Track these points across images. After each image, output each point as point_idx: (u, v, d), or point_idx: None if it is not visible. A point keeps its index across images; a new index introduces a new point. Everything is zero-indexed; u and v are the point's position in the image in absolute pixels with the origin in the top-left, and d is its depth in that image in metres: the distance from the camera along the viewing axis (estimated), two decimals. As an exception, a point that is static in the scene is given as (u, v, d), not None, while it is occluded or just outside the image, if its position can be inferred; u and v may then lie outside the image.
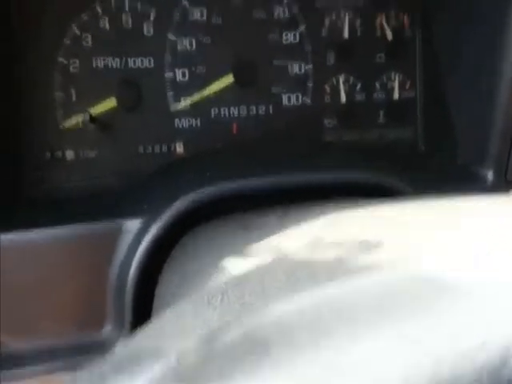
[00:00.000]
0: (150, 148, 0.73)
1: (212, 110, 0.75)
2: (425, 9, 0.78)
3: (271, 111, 0.77)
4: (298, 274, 0.31)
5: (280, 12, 0.75)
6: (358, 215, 0.43)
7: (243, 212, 0.54)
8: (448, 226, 0.36)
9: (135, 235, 0.53)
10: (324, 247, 0.35)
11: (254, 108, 0.76)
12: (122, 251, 0.53)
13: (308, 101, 0.78)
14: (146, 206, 0.55)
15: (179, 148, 0.74)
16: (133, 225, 0.53)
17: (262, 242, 0.43)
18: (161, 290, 0.51)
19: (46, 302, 0.53)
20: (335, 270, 0.30)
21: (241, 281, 0.34)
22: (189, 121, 0.74)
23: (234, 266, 0.42)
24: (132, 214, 0.54)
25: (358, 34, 0.78)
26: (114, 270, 0.53)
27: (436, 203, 0.44)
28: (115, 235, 0.53)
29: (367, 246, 0.32)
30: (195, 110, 0.74)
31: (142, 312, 0.52)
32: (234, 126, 0.76)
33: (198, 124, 0.75)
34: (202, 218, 0.55)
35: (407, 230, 0.37)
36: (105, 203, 0.60)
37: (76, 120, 0.69)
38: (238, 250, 0.44)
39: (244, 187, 0.55)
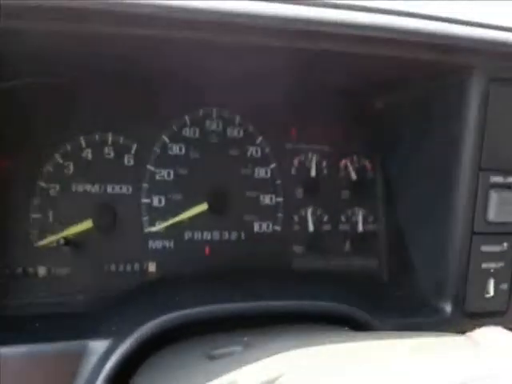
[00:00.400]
0: (122, 267, 0.75)
1: (185, 234, 0.78)
2: (384, 155, 0.87)
3: (243, 237, 0.81)
4: None
5: (253, 151, 0.83)
6: (314, 356, 0.45)
7: (211, 333, 0.55)
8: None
9: (100, 356, 0.52)
10: None
11: (227, 233, 0.80)
12: (87, 372, 0.52)
13: (278, 229, 0.83)
14: (114, 327, 0.55)
15: (151, 267, 0.76)
16: (98, 345, 0.53)
17: (223, 377, 0.43)
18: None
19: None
20: None
21: None
22: (162, 242, 0.77)
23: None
24: (98, 334, 0.54)
25: (324, 172, 0.86)
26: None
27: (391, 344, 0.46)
28: (80, 355, 0.53)
29: None
30: (169, 232, 0.77)
31: None
32: (207, 248, 0.79)
33: (172, 245, 0.77)
34: (169, 339, 0.54)
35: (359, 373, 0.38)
36: (71, 322, 0.59)
37: (51, 240, 0.71)
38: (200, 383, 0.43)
39: (213, 313, 0.56)
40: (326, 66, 0.68)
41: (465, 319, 0.67)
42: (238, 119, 0.82)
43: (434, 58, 0.58)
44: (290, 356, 0.44)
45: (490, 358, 0.42)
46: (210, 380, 0.43)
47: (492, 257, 0.66)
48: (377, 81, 0.77)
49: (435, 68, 0.64)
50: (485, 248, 0.66)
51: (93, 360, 0.52)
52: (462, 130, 0.64)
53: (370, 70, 0.69)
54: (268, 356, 0.45)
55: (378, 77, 0.74)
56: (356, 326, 0.59)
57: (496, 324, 0.49)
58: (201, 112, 0.80)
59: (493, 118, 0.64)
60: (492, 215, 0.64)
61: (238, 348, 0.51)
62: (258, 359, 0.45)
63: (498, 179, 0.65)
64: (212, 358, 0.49)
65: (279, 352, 0.45)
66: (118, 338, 0.52)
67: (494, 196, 0.64)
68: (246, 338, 0.53)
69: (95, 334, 0.54)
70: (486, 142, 0.64)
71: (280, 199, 0.83)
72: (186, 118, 0.79)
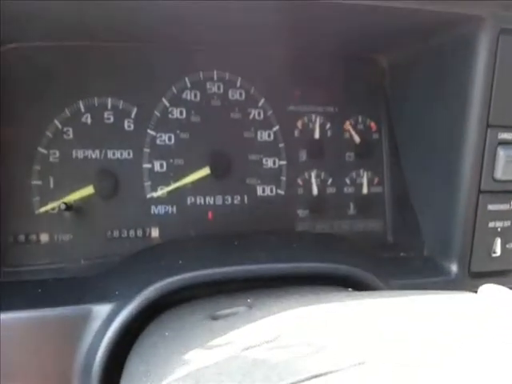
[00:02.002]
0: (125, 232, 0.75)
1: (188, 198, 0.78)
2: (389, 115, 0.85)
3: (246, 201, 0.80)
4: (252, 376, 0.33)
5: (255, 114, 0.81)
6: (317, 314, 0.45)
7: (215, 296, 0.55)
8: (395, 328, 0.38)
9: (103, 320, 0.53)
10: (281, 347, 0.37)
11: (230, 198, 0.80)
12: (90, 336, 0.53)
13: (281, 192, 0.82)
14: (118, 291, 0.55)
15: (154, 233, 0.76)
16: (101, 310, 0.53)
17: (226, 336, 0.43)
18: (127, 378, 0.50)
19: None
20: (286, 372, 0.32)
21: (197, 380, 0.34)
22: (165, 208, 0.76)
23: (196, 359, 0.42)
24: (101, 299, 0.54)
25: (328, 135, 0.84)
26: (81, 354, 0.52)
27: (394, 302, 0.46)
28: (83, 320, 0.53)
29: (316, 348, 0.35)
30: (171, 197, 0.77)
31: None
32: (210, 213, 0.78)
33: (174, 211, 0.77)
34: (172, 302, 0.55)
35: (357, 331, 0.38)
36: (75, 288, 0.59)
37: (52, 206, 0.71)
38: (203, 342, 0.44)
39: (216, 276, 0.56)
40: (328, 24, 0.66)
41: (471, 279, 0.66)
42: (239, 81, 0.80)
43: (440, 8, 0.56)
44: (291, 315, 0.44)
45: (493, 313, 0.41)
46: (212, 339, 0.43)
47: (499, 215, 0.65)
48: (381, 38, 0.74)
49: (441, 20, 0.61)
50: (492, 207, 0.65)
51: (96, 324, 0.53)
52: (469, 85, 0.62)
53: (373, 26, 0.66)
54: (270, 315, 0.45)
55: (382, 33, 0.71)
56: (360, 287, 0.59)
57: (502, 284, 0.49)
58: (201, 74, 0.78)
59: (502, 72, 0.61)
60: (499, 173, 0.63)
61: (241, 309, 0.51)
62: (260, 318, 0.45)
63: (506, 136, 0.63)
64: (215, 318, 0.49)
65: (281, 312, 0.45)
66: (122, 301, 0.53)
67: (501, 153, 0.63)
68: (249, 300, 0.53)
69: (98, 299, 0.54)
70: (494, 98, 0.62)
71: (283, 162, 0.82)
72: (187, 80, 0.77)
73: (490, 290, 0.46)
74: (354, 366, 0.32)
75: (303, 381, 0.31)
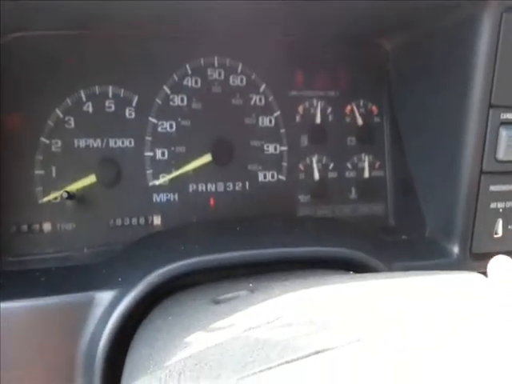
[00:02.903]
0: (128, 220, 0.75)
1: (190, 186, 0.78)
2: (392, 99, 0.85)
3: (247, 187, 0.80)
4: (254, 355, 0.33)
5: (256, 99, 0.81)
6: (318, 295, 0.45)
7: (217, 281, 0.55)
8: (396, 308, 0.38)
9: (106, 307, 0.53)
10: (282, 326, 0.38)
11: (231, 184, 0.80)
12: (93, 323, 0.53)
13: (283, 178, 0.82)
14: (120, 278, 0.56)
15: (156, 220, 0.76)
16: (104, 297, 0.54)
17: (228, 318, 0.44)
18: (130, 362, 0.50)
19: (14, 374, 0.52)
20: (286, 351, 0.32)
21: (199, 360, 0.35)
22: (167, 195, 0.77)
23: (198, 341, 0.42)
24: (104, 286, 0.55)
25: (330, 119, 0.84)
26: (85, 340, 0.53)
27: (396, 282, 0.46)
28: (87, 307, 0.53)
29: (316, 327, 0.36)
30: (173, 185, 0.77)
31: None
32: (212, 200, 0.79)
33: (176, 198, 0.77)
34: (175, 288, 0.55)
35: (359, 311, 0.39)
36: (78, 275, 0.60)
37: (55, 196, 0.71)
38: (205, 325, 0.44)
39: (219, 261, 0.56)
40: (330, 8, 0.65)
41: (472, 260, 0.66)
42: (240, 67, 0.80)
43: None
44: (292, 297, 0.45)
45: (497, 293, 0.41)
46: (214, 322, 0.43)
47: (501, 196, 0.65)
48: (384, 21, 0.73)
49: (445, 1, 0.60)
50: (493, 188, 0.65)
51: (99, 311, 0.53)
52: (472, 66, 0.61)
53: (376, 9, 0.65)
54: (272, 298, 0.45)
55: (384, 16, 0.70)
56: (363, 270, 0.59)
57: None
58: (202, 61, 0.78)
59: (505, 51, 0.60)
60: (501, 154, 0.62)
61: (243, 293, 0.51)
62: (262, 301, 0.45)
63: (508, 116, 0.62)
64: (217, 302, 0.50)
65: (283, 294, 0.46)
66: (125, 288, 0.53)
67: (503, 134, 0.62)
68: (251, 284, 0.53)
69: (101, 285, 0.55)
70: (496, 78, 0.61)
71: (285, 148, 0.82)
72: (187, 66, 0.77)
73: (500, 262, 0.46)
74: (354, 342, 0.32)
75: (302, 358, 0.31)
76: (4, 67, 0.67)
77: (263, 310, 0.44)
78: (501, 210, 0.65)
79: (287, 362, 0.31)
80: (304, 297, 0.45)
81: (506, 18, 0.60)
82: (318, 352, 0.31)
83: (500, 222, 0.66)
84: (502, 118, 0.62)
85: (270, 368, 0.31)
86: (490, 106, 0.62)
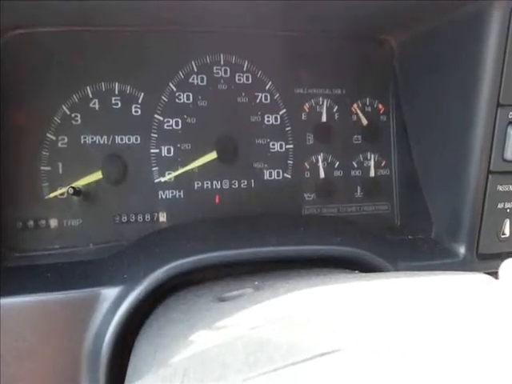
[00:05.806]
0: (133, 217, 0.75)
1: (195, 183, 0.78)
2: (398, 97, 0.84)
3: (253, 185, 0.80)
4: (257, 355, 0.33)
5: (262, 97, 0.81)
6: (323, 295, 0.45)
7: (223, 279, 0.55)
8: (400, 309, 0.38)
9: (112, 303, 0.53)
10: (287, 326, 0.38)
11: (237, 182, 0.80)
12: (99, 319, 0.53)
13: (288, 176, 0.82)
14: (126, 275, 0.56)
15: (162, 217, 0.76)
16: (110, 293, 0.54)
17: (232, 316, 0.44)
18: (135, 359, 0.51)
19: (20, 369, 0.52)
20: (290, 353, 0.32)
21: (204, 359, 0.35)
22: (172, 192, 0.77)
23: (202, 339, 0.42)
24: (110, 282, 0.55)
25: (336, 117, 0.84)
26: (90, 336, 0.53)
27: (402, 283, 0.46)
28: (92, 303, 0.54)
29: (322, 327, 0.35)
30: (179, 182, 0.77)
31: (117, 380, 0.51)
32: (217, 197, 0.79)
33: (182, 195, 0.77)
34: (180, 285, 0.55)
35: (365, 311, 0.39)
36: (84, 271, 0.60)
37: (61, 192, 0.72)
38: (210, 323, 0.44)
39: (224, 259, 0.56)
40: (336, 5, 0.65)
41: (479, 261, 0.66)
42: (246, 65, 0.80)
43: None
44: (297, 296, 0.45)
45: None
46: (219, 320, 0.43)
47: (508, 196, 0.65)
48: (390, 17, 0.72)
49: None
50: (501, 187, 0.64)
51: (105, 307, 0.53)
52: (480, 64, 0.61)
53: (382, 5, 0.65)
54: (276, 296, 0.45)
55: (390, 12, 0.69)
56: (369, 270, 0.59)
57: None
58: (208, 58, 0.78)
59: (513, 49, 0.60)
60: (509, 154, 0.62)
61: (248, 290, 0.51)
62: (267, 299, 0.45)
63: (517, 116, 0.62)
64: (222, 300, 0.50)
65: (287, 293, 0.45)
66: (130, 284, 0.53)
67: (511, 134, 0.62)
68: (256, 282, 0.53)
69: (107, 282, 0.55)
70: (505, 77, 0.60)
71: (290, 146, 0.82)
72: (193, 64, 0.77)
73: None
74: (357, 345, 0.32)
75: (307, 360, 0.31)
76: (10, 64, 0.67)
77: (268, 308, 0.44)
78: (508, 211, 0.65)
79: (293, 364, 0.31)
80: (309, 296, 0.45)
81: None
82: (323, 354, 0.31)
83: (507, 223, 0.65)
84: (510, 117, 0.62)
85: (276, 370, 0.30)
86: (499, 105, 0.61)
